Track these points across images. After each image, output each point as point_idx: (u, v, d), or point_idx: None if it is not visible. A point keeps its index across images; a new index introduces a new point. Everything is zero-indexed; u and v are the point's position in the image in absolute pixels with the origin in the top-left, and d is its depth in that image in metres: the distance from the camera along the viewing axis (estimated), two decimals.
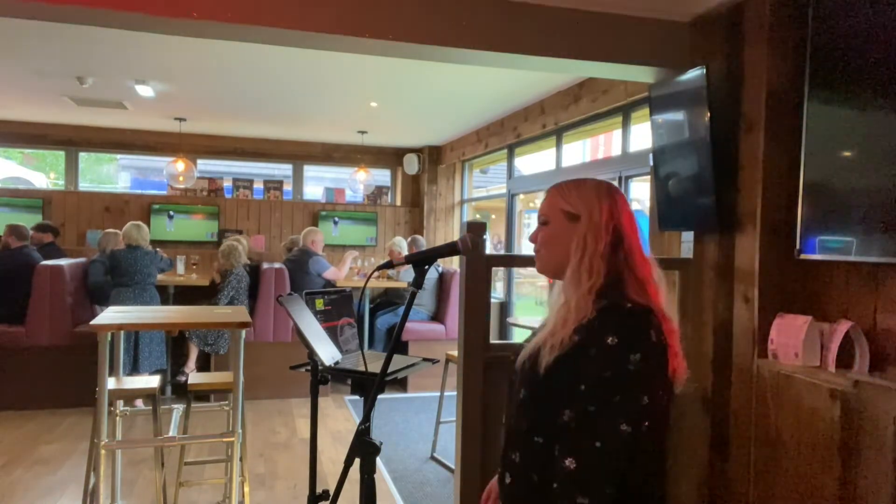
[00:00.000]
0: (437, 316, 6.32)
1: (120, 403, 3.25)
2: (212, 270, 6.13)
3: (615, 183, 4.22)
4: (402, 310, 5.85)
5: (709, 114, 2.51)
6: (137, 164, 10.19)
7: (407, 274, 6.28)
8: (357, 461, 1.48)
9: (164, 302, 5.77)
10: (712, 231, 2.63)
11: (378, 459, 1.59)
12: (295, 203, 8.05)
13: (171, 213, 7.45)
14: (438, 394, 4.35)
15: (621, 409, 1.13)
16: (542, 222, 1.36)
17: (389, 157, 8.42)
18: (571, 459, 1.14)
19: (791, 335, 2.24)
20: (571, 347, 1.20)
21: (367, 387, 2.22)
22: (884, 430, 1.87)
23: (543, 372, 1.22)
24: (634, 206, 4.43)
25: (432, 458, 4.24)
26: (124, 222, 7.20)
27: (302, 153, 8.20)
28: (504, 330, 6.42)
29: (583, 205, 1.30)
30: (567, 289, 1.29)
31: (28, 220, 6.07)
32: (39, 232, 5.93)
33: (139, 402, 4.79)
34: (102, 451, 2.74)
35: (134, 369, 5.03)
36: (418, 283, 1.52)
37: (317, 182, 9.05)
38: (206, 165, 8.23)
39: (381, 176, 8.59)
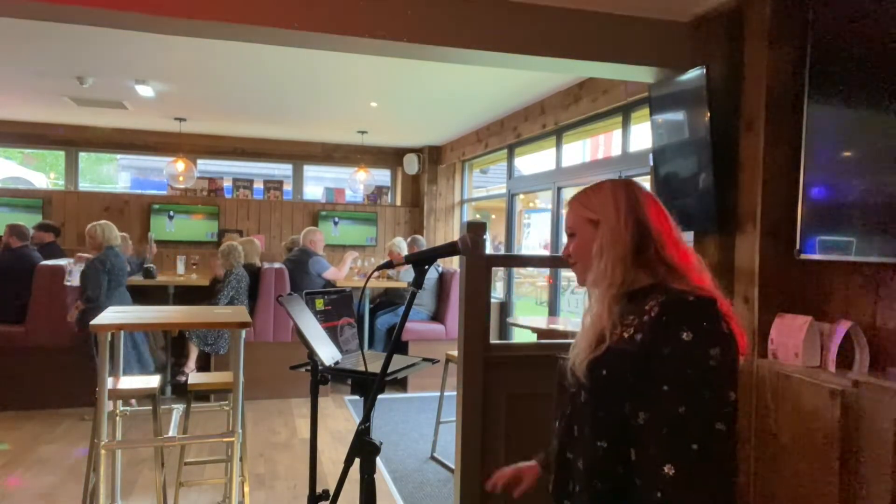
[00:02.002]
0: (437, 316, 6.32)
1: (119, 403, 3.25)
2: (212, 269, 6.12)
3: None
4: (402, 310, 5.84)
5: (709, 114, 2.51)
6: (137, 164, 10.20)
7: (407, 274, 6.28)
8: (357, 461, 1.48)
9: (164, 302, 5.77)
10: (712, 231, 2.63)
11: (378, 459, 1.59)
12: (295, 203, 8.05)
13: (171, 213, 7.45)
14: (438, 394, 4.35)
15: (712, 408, 1.09)
16: (570, 234, 1.34)
17: (389, 157, 8.42)
18: (670, 466, 1.08)
19: (791, 335, 2.24)
20: (636, 346, 1.16)
21: (367, 387, 2.22)
22: (884, 430, 1.87)
23: (604, 373, 1.19)
24: None
25: (432, 458, 4.24)
26: (124, 222, 7.25)
27: (302, 153, 8.20)
28: (504, 330, 6.42)
29: (601, 208, 1.27)
30: (592, 293, 1.28)
31: (28, 220, 6.07)
32: (41, 231, 5.93)
33: (133, 402, 4.77)
34: (102, 451, 2.74)
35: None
36: (418, 283, 1.52)
37: (317, 182, 9.05)
38: (206, 165, 8.23)
39: (381, 176, 8.59)
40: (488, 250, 2.59)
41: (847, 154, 2.17)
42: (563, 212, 5.24)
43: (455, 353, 2.95)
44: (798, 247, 2.28)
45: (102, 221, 4.99)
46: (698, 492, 1.07)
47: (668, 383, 1.10)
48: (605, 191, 1.29)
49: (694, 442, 1.08)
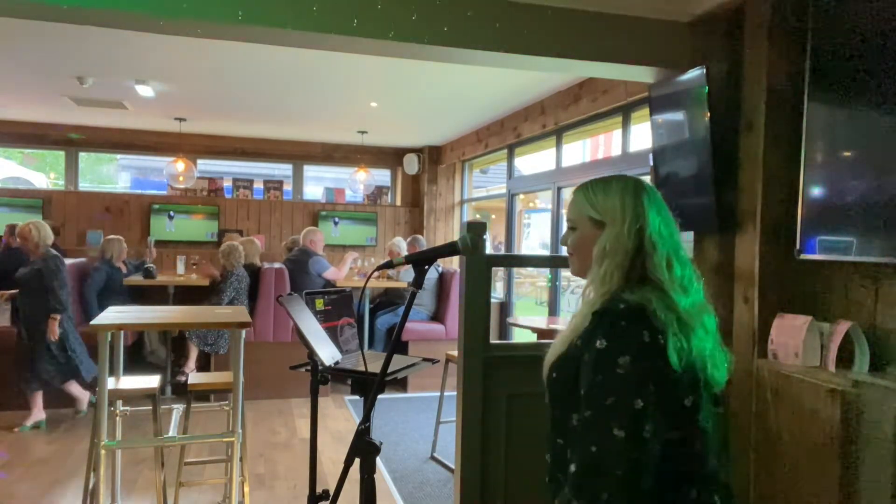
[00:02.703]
0: (437, 316, 6.32)
1: (119, 403, 3.25)
2: (203, 272, 6.13)
3: None
4: (402, 310, 5.84)
5: (709, 114, 2.51)
6: (137, 164, 10.20)
7: (407, 274, 6.28)
8: (357, 461, 1.48)
9: (164, 302, 5.77)
10: (712, 231, 2.63)
11: (378, 459, 1.59)
12: (295, 203, 8.05)
13: (172, 213, 7.45)
14: (438, 394, 4.35)
15: (613, 414, 1.11)
16: (571, 227, 1.35)
17: (389, 157, 8.42)
18: (573, 465, 1.14)
19: (791, 335, 2.24)
20: (575, 352, 1.21)
21: (367, 387, 2.22)
22: (884, 430, 1.87)
23: (554, 376, 1.26)
24: None
25: (432, 458, 4.24)
26: (124, 222, 7.26)
27: (302, 153, 8.20)
28: (504, 330, 6.42)
29: (608, 211, 1.27)
30: (584, 295, 1.29)
31: (28, 221, 6.06)
32: None
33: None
34: (102, 451, 2.74)
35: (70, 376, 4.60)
36: (418, 283, 1.52)
37: (317, 182, 9.05)
38: (206, 165, 8.23)
39: (381, 176, 8.59)
40: (488, 250, 2.59)
41: (847, 154, 2.17)
42: (563, 212, 5.23)
43: (455, 353, 2.95)
44: (798, 247, 2.28)
45: (36, 220, 4.69)
46: (596, 490, 1.10)
47: (584, 388, 1.16)
48: (614, 193, 1.29)
49: (593, 444, 1.12)
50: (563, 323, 4.57)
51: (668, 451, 1.16)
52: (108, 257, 5.70)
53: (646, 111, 3.18)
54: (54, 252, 4.54)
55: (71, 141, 7.44)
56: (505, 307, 6.64)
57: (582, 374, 1.17)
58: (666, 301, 1.20)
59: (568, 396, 1.21)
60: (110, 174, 10.66)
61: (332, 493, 1.59)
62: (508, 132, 5.89)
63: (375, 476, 1.54)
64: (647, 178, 3.68)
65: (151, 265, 5.95)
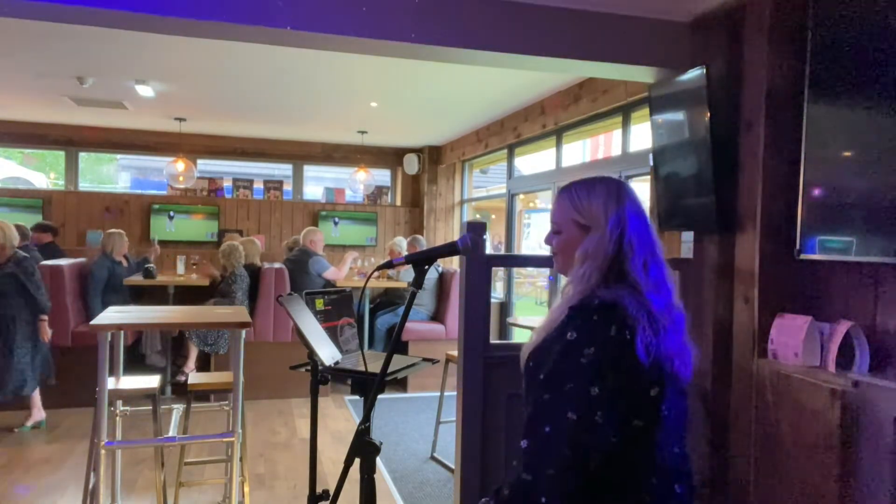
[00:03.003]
0: (437, 316, 6.32)
1: (119, 403, 3.25)
2: (203, 272, 6.13)
3: None
4: (402, 310, 5.85)
5: (709, 114, 2.51)
6: (137, 164, 10.20)
7: (407, 274, 6.28)
8: (357, 461, 1.48)
9: (164, 302, 5.77)
10: (712, 231, 2.63)
11: (378, 459, 1.59)
12: (295, 203, 8.05)
13: (172, 213, 7.45)
14: (438, 394, 4.35)
15: (569, 398, 1.19)
16: (555, 231, 1.40)
17: (389, 157, 8.42)
18: (525, 441, 1.22)
19: (791, 335, 2.24)
20: (547, 344, 1.28)
21: (367, 387, 2.22)
22: (884, 430, 1.87)
23: (530, 365, 1.32)
24: None
25: (432, 458, 4.24)
26: (124, 222, 7.25)
27: (302, 153, 8.20)
28: (504, 330, 6.42)
29: (592, 216, 1.34)
30: (564, 293, 1.36)
31: (28, 220, 6.07)
32: (39, 232, 5.94)
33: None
34: (102, 451, 2.74)
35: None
36: (418, 283, 1.52)
37: (317, 182, 9.05)
38: (206, 165, 8.23)
39: (381, 176, 8.59)
40: (488, 250, 2.59)
41: (847, 154, 2.17)
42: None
43: (455, 353, 2.95)
44: (798, 247, 2.28)
45: (0, 221, 4.52)
46: (535, 467, 1.19)
47: (544, 373, 1.24)
48: (598, 197, 1.35)
49: (546, 425, 1.20)
50: None
51: (630, 438, 1.23)
52: (107, 251, 5.73)
53: (646, 111, 3.18)
54: (23, 254, 4.45)
55: (71, 141, 7.43)
56: (505, 307, 6.64)
57: (546, 361, 1.25)
58: (639, 299, 1.26)
59: (542, 384, 1.27)
60: (110, 174, 10.66)
61: (332, 493, 1.59)
62: (508, 132, 5.89)
63: (375, 476, 1.54)
64: (647, 178, 3.70)
65: (151, 265, 5.95)
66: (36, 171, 9.90)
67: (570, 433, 1.17)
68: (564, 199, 1.38)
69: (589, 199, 1.35)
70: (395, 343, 1.56)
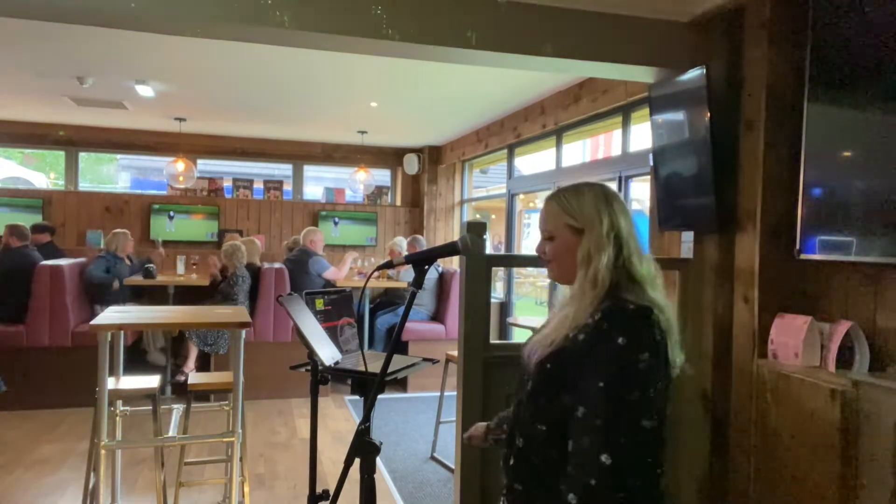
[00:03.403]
0: (437, 316, 6.32)
1: (119, 403, 3.25)
2: (212, 266, 6.13)
3: (615, 183, 4.24)
4: (402, 310, 5.84)
5: (709, 114, 2.51)
6: (137, 164, 10.19)
7: (407, 274, 6.28)
8: (357, 461, 1.48)
9: (164, 302, 5.77)
10: (712, 231, 2.63)
11: (378, 459, 1.59)
12: (295, 203, 8.05)
13: (172, 213, 7.45)
14: (438, 394, 4.35)
15: (640, 407, 1.20)
16: (547, 238, 1.42)
17: (389, 157, 8.42)
18: (607, 455, 1.18)
19: (791, 335, 2.24)
20: (577, 346, 1.27)
21: (367, 387, 2.22)
22: (884, 430, 1.87)
23: (548, 367, 1.31)
24: (634, 206, 4.43)
25: (432, 458, 4.24)
26: (124, 222, 7.25)
27: (302, 153, 8.20)
28: (504, 330, 6.42)
29: (585, 218, 1.36)
30: (575, 296, 1.36)
31: (28, 220, 6.07)
32: (37, 232, 5.93)
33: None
34: (102, 451, 2.74)
35: None
36: (418, 283, 1.52)
37: (317, 182, 9.05)
38: (206, 165, 8.23)
39: (381, 176, 8.59)
40: (488, 250, 2.59)
41: (847, 154, 2.17)
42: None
43: (455, 353, 2.95)
44: (798, 247, 2.28)
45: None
46: (630, 479, 1.19)
47: (604, 381, 1.22)
48: (588, 199, 1.38)
49: (622, 436, 1.19)
50: None
51: (659, 446, 1.26)
52: (112, 249, 5.82)
53: (646, 111, 3.18)
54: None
55: (71, 141, 7.43)
56: (505, 307, 6.64)
57: (591, 368, 1.24)
58: (654, 299, 1.30)
59: (562, 387, 1.28)
60: (110, 174, 10.65)
61: (332, 493, 1.59)
62: (508, 132, 5.89)
63: (375, 476, 1.54)
64: (647, 178, 3.70)
65: (151, 265, 5.95)
66: (36, 171, 9.90)
67: (649, 441, 1.21)
68: (554, 205, 1.40)
69: (580, 202, 1.38)
70: (395, 343, 1.56)
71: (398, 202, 8.56)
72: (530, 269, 11.41)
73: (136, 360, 5.69)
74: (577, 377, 1.26)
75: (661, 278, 1.37)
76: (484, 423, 1.69)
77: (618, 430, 1.19)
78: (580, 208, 1.37)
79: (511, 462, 1.38)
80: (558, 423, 1.27)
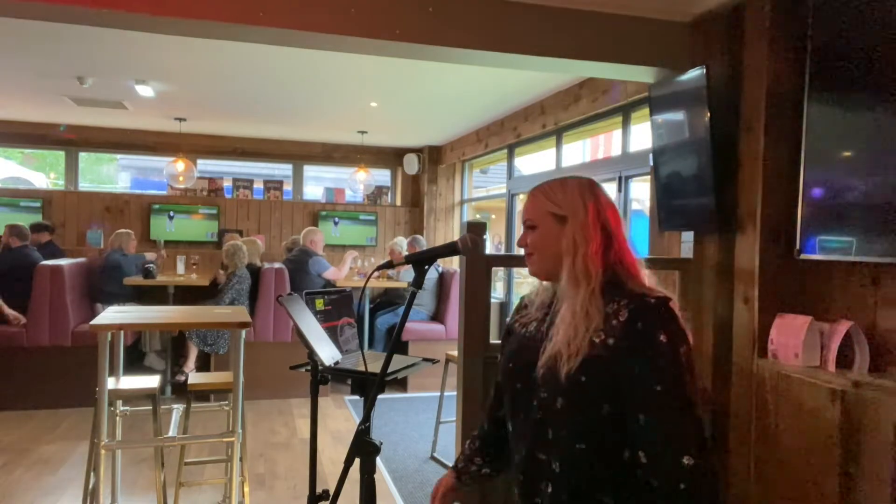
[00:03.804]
0: (437, 316, 6.32)
1: (119, 403, 3.25)
2: (214, 269, 6.14)
3: (615, 183, 4.24)
4: (402, 310, 5.84)
5: (709, 114, 2.51)
6: (137, 164, 10.19)
7: (407, 274, 6.28)
8: (357, 461, 1.48)
9: (164, 302, 5.77)
10: (712, 231, 2.63)
11: (378, 459, 1.58)
12: (295, 203, 8.05)
13: (172, 213, 7.45)
14: (438, 394, 4.35)
15: (694, 399, 1.18)
16: (530, 226, 1.36)
17: (389, 157, 8.42)
18: (688, 457, 1.15)
19: (791, 335, 2.24)
20: (613, 351, 1.20)
21: (367, 387, 2.22)
22: (884, 430, 1.87)
23: (583, 379, 1.21)
24: (634, 206, 4.43)
25: (432, 458, 4.24)
26: (124, 222, 7.25)
27: (302, 153, 8.20)
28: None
29: (569, 205, 1.31)
30: (567, 292, 1.28)
31: (28, 221, 6.07)
32: (36, 232, 5.94)
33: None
34: (102, 451, 2.74)
35: None
36: (418, 283, 1.52)
37: (317, 182, 9.05)
38: (206, 165, 8.23)
39: (381, 176, 8.59)
40: (488, 250, 2.59)
41: (847, 154, 2.17)
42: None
43: (455, 353, 2.95)
44: (798, 247, 2.28)
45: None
46: (712, 476, 1.17)
47: (661, 385, 1.17)
48: (573, 188, 1.34)
49: (692, 434, 1.16)
50: None
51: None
52: (117, 246, 5.93)
53: (646, 111, 3.18)
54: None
55: (71, 140, 7.43)
56: (505, 307, 6.64)
57: (642, 372, 1.18)
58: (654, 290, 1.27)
59: (602, 399, 1.20)
60: (110, 174, 10.65)
61: (332, 493, 1.59)
62: (508, 132, 5.89)
63: (375, 476, 1.54)
64: (647, 178, 3.69)
65: (151, 265, 5.95)
66: (36, 171, 9.90)
67: (700, 431, 1.18)
68: (538, 195, 1.36)
69: (563, 191, 1.34)
70: (395, 343, 1.56)
71: (398, 202, 8.56)
72: None
73: (135, 361, 5.69)
74: (619, 384, 1.19)
75: (650, 273, 1.33)
76: (447, 474, 1.59)
77: (688, 430, 1.16)
78: (563, 196, 1.33)
79: (549, 490, 1.26)
80: (603, 437, 1.21)
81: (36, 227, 6.02)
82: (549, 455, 1.26)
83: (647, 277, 1.31)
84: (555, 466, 1.25)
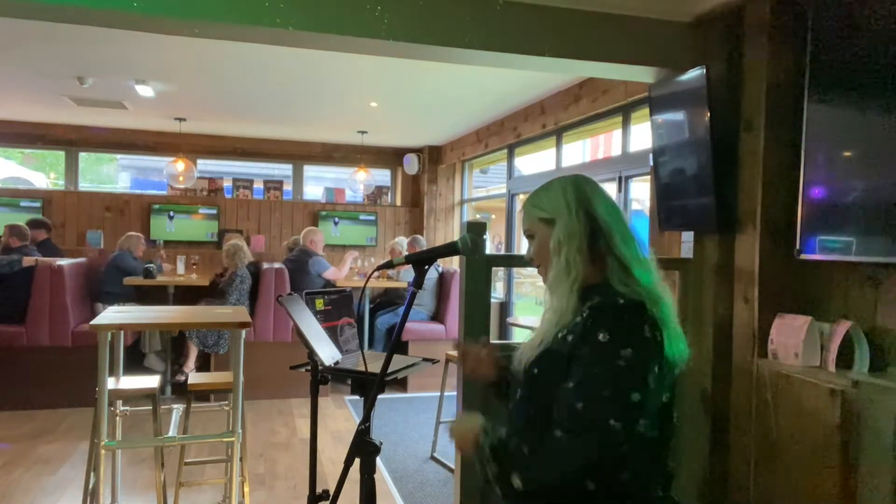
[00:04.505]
0: (437, 316, 6.32)
1: (119, 403, 3.25)
2: (214, 269, 6.15)
3: (615, 183, 4.24)
4: (402, 310, 5.84)
5: (709, 114, 2.51)
6: (137, 164, 10.19)
7: (407, 274, 6.28)
8: (357, 461, 1.48)
9: (164, 302, 5.77)
10: (712, 231, 2.63)
11: (378, 459, 1.59)
12: (295, 203, 8.05)
13: (172, 213, 7.45)
14: (438, 394, 4.35)
15: (610, 406, 1.11)
16: (529, 237, 1.39)
17: (389, 157, 8.42)
18: (565, 436, 1.13)
19: (791, 335, 2.24)
20: (564, 346, 1.21)
21: (367, 387, 2.22)
22: (884, 430, 1.87)
23: (535, 372, 1.25)
24: (634, 206, 4.43)
25: (432, 458, 4.24)
26: (124, 222, 7.26)
27: (302, 153, 8.20)
28: (504, 330, 6.42)
29: (552, 205, 1.33)
30: (553, 289, 1.30)
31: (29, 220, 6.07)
32: (34, 229, 5.93)
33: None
34: (102, 451, 2.74)
35: None
36: (418, 283, 1.52)
37: (317, 182, 9.05)
38: (206, 165, 8.23)
39: (381, 176, 8.59)
40: (488, 250, 2.59)
41: (847, 154, 2.17)
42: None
43: (455, 353, 2.95)
44: (798, 247, 2.28)
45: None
46: (580, 479, 1.12)
47: (576, 380, 1.14)
48: (555, 188, 1.35)
49: (589, 433, 1.11)
50: None
51: (650, 449, 1.18)
52: (126, 249, 5.99)
53: (646, 111, 3.18)
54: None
55: (71, 141, 7.43)
56: (505, 307, 6.64)
57: (575, 366, 1.16)
58: (650, 290, 1.22)
59: (550, 394, 1.20)
60: (110, 174, 10.65)
61: (332, 493, 1.59)
62: (508, 132, 5.89)
63: (375, 476, 1.54)
64: (647, 178, 3.69)
65: (151, 265, 5.95)
66: (36, 171, 9.90)
67: (613, 442, 1.10)
68: (526, 204, 1.39)
69: (547, 194, 1.35)
70: (395, 343, 1.56)
71: (398, 202, 8.56)
72: (530, 269, 11.37)
73: (135, 362, 5.68)
74: (559, 378, 1.18)
75: (656, 268, 1.29)
76: (487, 342, 1.56)
77: (585, 429, 1.11)
78: (548, 199, 1.34)
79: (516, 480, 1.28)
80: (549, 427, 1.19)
81: (33, 224, 6.01)
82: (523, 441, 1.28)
83: (647, 274, 1.25)
84: (556, 432, 1.26)
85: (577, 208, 1.29)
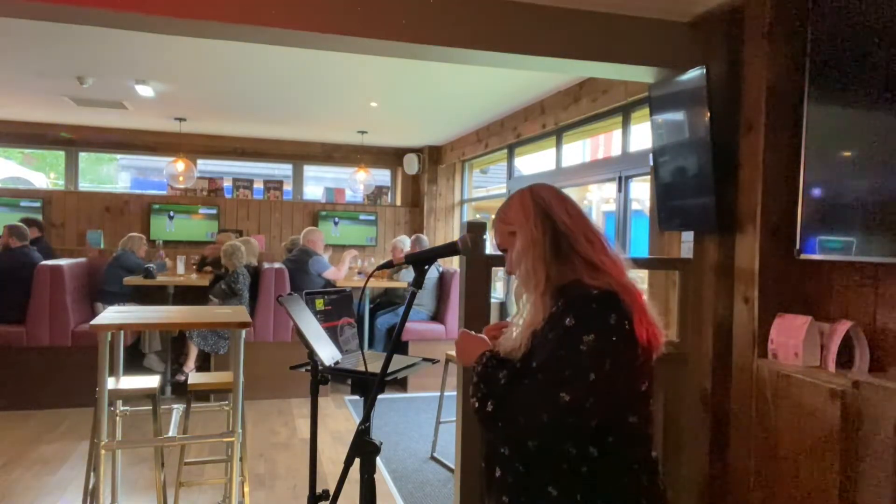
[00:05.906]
0: (437, 316, 6.32)
1: (119, 403, 3.25)
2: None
3: (615, 183, 4.24)
4: (402, 310, 5.84)
5: (709, 114, 2.51)
6: (137, 164, 10.18)
7: (407, 274, 6.28)
8: (357, 461, 1.48)
9: (164, 302, 5.77)
10: (712, 231, 2.63)
11: (378, 459, 1.59)
12: (295, 203, 8.05)
13: (172, 213, 7.45)
14: (438, 394, 4.35)
15: (566, 382, 1.17)
16: (503, 251, 1.42)
17: (389, 157, 8.42)
18: (521, 416, 1.20)
19: (791, 335, 2.24)
20: (538, 340, 1.26)
21: (367, 387, 2.22)
22: (884, 430, 1.87)
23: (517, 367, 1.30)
24: (634, 206, 4.43)
25: (432, 458, 4.24)
26: (124, 222, 7.26)
27: (302, 153, 8.20)
28: None
29: (514, 217, 1.37)
30: (519, 296, 1.37)
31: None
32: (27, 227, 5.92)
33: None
34: (102, 451, 2.74)
35: None
36: (418, 283, 1.52)
37: (317, 182, 9.05)
38: (206, 165, 8.23)
39: (381, 176, 8.59)
40: (488, 250, 2.59)
41: (847, 154, 2.17)
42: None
43: (455, 353, 2.94)
44: (798, 247, 2.28)
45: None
46: (521, 433, 1.24)
47: (540, 358, 1.21)
48: (514, 201, 1.39)
49: (537, 400, 1.19)
50: None
51: (626, 436, 1.24)
52: (127, 248, 6.05)
53: (646, 111, 3.18)
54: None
55: (71, 141, 7.43)
56: (505, 307, 6.64)
57: (540, 348, 1.23)
58: (623, 283, 1.26)
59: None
60: (110, 174, 10.64)
61: (332, 493, 1.59)
62: (508, 132, 5.89)
63: (375, 476, 1.54)
64: (647, 178, 3.69)
65: (151, 265, 5.95)
66: (36, 171, 9.89)
67: (561, 409, 1.16)
68: (495, 221, 1.42)
69: (508, 207, 1.39)
70: (395, 343, 1.56)
71: (398, 202, 8.56)
72: None
73: (135, 362, 5.69)
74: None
75: (626, 266, 1.33)
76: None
77: (534, 399, 1.18)
78: (509, 211, 1.38)
79: (497, 473, 1.36)
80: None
81: (25, 223, 5.99)
82: (504, 443, 1.35)
83: (612, 259, 1.29)
84: (504, 451, 1.34)
85: (534, 216, 1.33)
